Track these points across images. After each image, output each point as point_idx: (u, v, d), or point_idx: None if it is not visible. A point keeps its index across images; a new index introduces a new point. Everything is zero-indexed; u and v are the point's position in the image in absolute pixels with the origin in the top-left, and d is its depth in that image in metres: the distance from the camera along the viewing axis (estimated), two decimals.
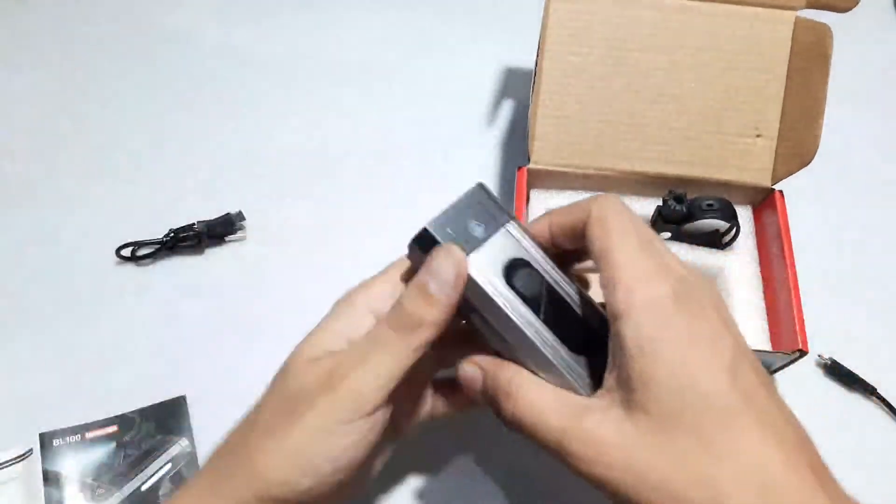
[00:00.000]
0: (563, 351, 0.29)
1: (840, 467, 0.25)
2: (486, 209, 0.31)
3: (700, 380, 0.24)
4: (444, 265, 0.28)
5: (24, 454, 0.42)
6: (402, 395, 0.31)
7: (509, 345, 0.30)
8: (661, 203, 0.45)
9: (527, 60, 0.53)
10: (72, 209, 0.52)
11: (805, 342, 0.40)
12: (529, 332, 0.29)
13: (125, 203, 0.53)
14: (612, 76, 0.46)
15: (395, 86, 0.60)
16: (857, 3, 0.43)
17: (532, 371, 0.29)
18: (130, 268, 0.50)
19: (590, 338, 0.29)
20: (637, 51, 0.46)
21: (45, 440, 0.42)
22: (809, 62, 0.45)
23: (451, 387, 0.34)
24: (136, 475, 0.41)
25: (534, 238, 0.31)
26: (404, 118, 0.58)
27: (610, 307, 0.26)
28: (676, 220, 0.45)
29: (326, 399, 0.27)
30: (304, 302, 0.47)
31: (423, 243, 0.29)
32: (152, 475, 0.41)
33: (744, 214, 0.48)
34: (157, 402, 0.44)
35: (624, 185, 0.47)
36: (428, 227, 0.29)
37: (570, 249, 0.31)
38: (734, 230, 0.45)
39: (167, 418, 0.43)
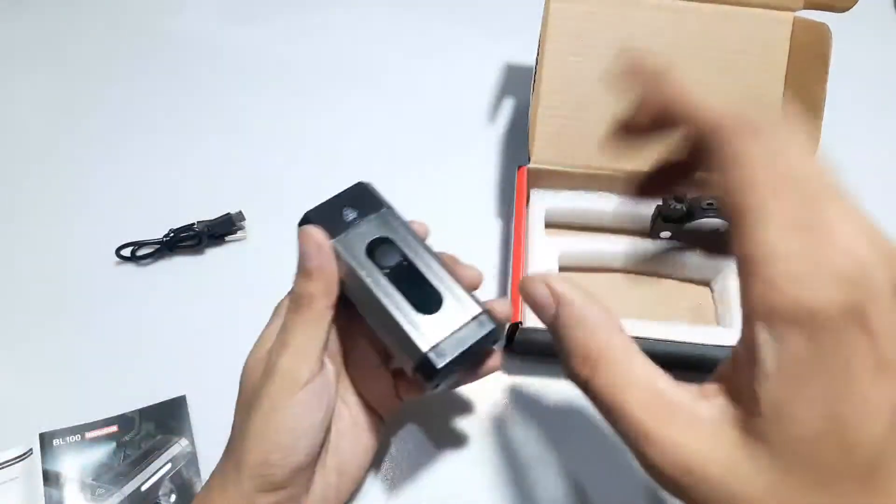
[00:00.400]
0: (409, 309, 0.33)
1: None
2: (364, 200, 0.36)
3: (858, 428, 0.18)
4: (306, 243, 0.34)
5: (23, 454, 0.42)
6: (376, 384, 0.38)
7: (371, 312, 0.34)
8: (661, 202, 0.45)
9: (527, 60, 0.53)
10: (72, 209, 0.52)
11: None
12: (380, 295, 0.33)
13: (125, 203, 0.53)
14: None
15: (396, 85, 0.60)
16: (856, 3, 0.44)
17: (388, 334, 0.34)
18: (130, 268, 0.50)
19: (437, 300, 0.33)
20: (637, 51, 0.46)
21: (45, 440, 0.41)
22: (808, 62, 0.45)
23: (405, 377, 0.38)
24: (136, 475, 0.41)
25: (405, 224, 0.35)
26: (405, 118, 0.58)
27: (745, 297, 0.20)
28: (677, 219, 0.45)
29: (267, 386, 0.32)
30: None
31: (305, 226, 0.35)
32: (152, 475, 0.41)
33: None
34: (157, 401, 0.44)
35: (625, 184, 0.47)
36: (307, 213, 0.36)
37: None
38: None
39: (167, 418, 0.43)
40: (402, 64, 0.61)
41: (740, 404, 0.20)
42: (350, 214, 0.35)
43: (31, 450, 0.41)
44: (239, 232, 0.51)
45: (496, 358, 0.36)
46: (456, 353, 0.32)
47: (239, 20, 0.63)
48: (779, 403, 0.19)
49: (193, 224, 0.49)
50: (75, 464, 0.41)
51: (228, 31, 0.63)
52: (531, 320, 0.42)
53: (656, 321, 0.42)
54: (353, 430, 0.38)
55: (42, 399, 0.44)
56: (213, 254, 0.50)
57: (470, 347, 0.32)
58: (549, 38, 0.46)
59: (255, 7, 0.64)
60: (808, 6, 0.45)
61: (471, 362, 0.35)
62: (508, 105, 0.59)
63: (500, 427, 0.44)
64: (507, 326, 0.42)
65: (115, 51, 0.61)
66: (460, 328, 0.33)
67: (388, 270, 0.34)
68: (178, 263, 0.50)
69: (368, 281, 0.33)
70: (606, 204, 0.48)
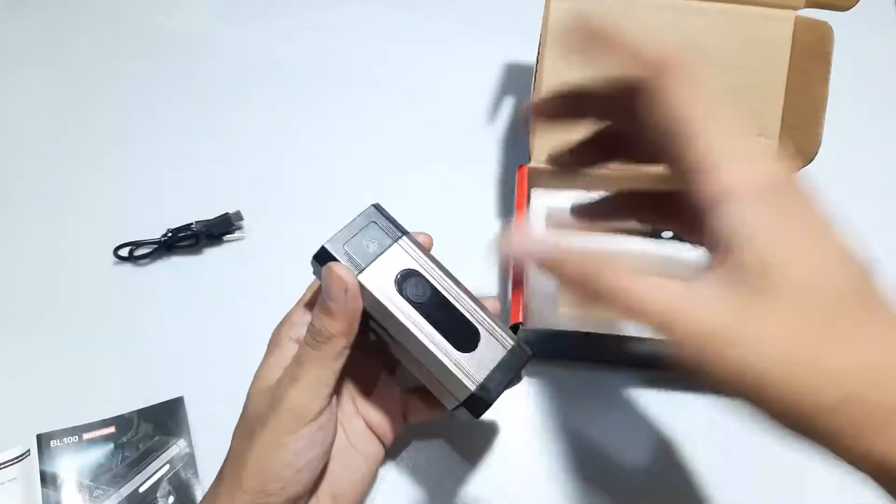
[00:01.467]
0: (450, 348, 0.33)
1: None
2: (380, 226, 0.35)
3: (836, 268, 0.23)
4: (332, 283, 0.32)
5: (21, 455, 0.41)
6: (379, 406, 0.38)
7: (403, 347, 0.34)
8: None
9: (527, 59, 0.53)
10: (69, 209, 0.52)
11: None
12: (419, 335, 0.33)
13: (123, 203, 0.52)
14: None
15: (395, 85, 0.59)
16: (858, 2, 0.43)
17: (425, 370, 0.34)
18: (128, 268, 0.49)
19: (474, 335, 0.34)
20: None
21: (43, 441, 0.41)
22: (810, 61, 0.45)
23: (420, 394, 0.38)
24: (134, 476, 0.41)
25: (424, 250, 0.35)
26: (405, 117, 0.57)
27: (702, 188, 0.23)
28: None
29: (272, 418, 0.32)
30: None
31: (322, 260, 0.34)
32: (150, 476, 0.41)
33: None
34: (154, 402, 0.43)
35: (626, 183, 0.47)
36: (325, 245, 0.34)
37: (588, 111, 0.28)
38: None
39: (165, 419, 0.43)
40: (401, 63, 0.60)
41: (738, 275, 0.23)
42: (370, 245, 0.34)
43: (28, 451, 0.41)
44: (237, 232, 0.50)
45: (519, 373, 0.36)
46: (501, 388, 0.34)
47: (238, 19, 0.63)
48: (769, 260, 0.22)
49: (191, 224, 0.49)
50: (73, 465, 0.41)
51: (228, 30, 0.62)
52: (531, 321, 0.42)
53: None
54: (352, 457, 0.37)
55: (39, 400, 0.44)
56: (212, 254, 0.50)
57: (511, 379, 0.34)
58: (549, 37, 0.46)
59: (255, 6, 0.64)
60: (809, 5, 0.45)
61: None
62: (509, 104, 0.59)
63: (499, 427, 0.43)
64: (508, 327, 0.42)
65: (112, 50, 0.61)
66: (500, 362, 0.34)
67: (418, 305, 0.33)
68: (176, 263, 0.50)
69: (403, 319, 0.33)
70: None
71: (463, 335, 0.34)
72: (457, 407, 0.34)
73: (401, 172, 0.54)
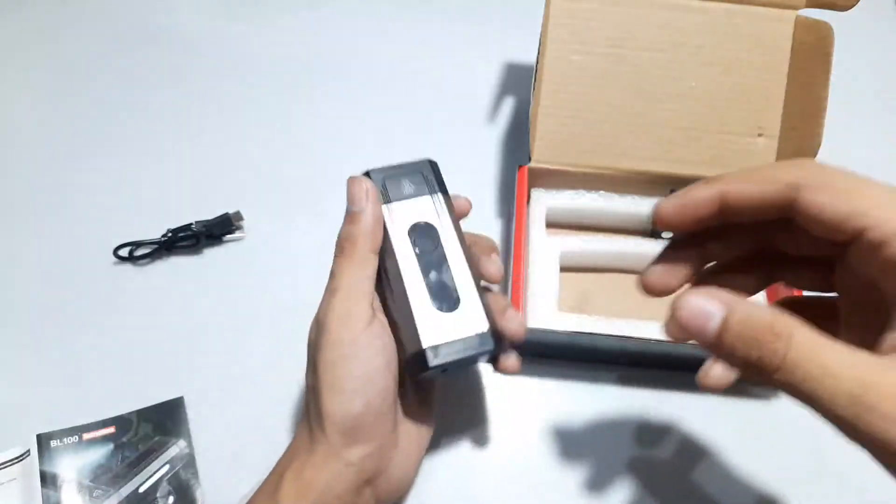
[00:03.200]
0: (427, 303, 0.33)
1: None
2: (426, 178, 0.36)
3: None
4: (354, 188, 0.34)
5: (21, 455, 0.41)
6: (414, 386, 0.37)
7: (390, 281, 0.34)
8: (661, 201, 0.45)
9: (527, 58, 0.53)
10: (68, 209, 0.52)
11: None
12: (405, 279, 0.34)
13: (122, 203, 0.52)
14: (613, 75, 0.46)
15: (396, 84, 0.59)
16: (857, 1, 0.43)
17: (393, 309, 0.34)
18: (128, 268, 0.49)
19: (454, 301, 0.34)
20: (638, 49, 0.46)
21: (43, 441, 0.41)
22: (811, 61, 0.45)
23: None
24: (134, 476, 0.41)
25: (454, 215, 0.36)
26: (405, 117, 0.57)
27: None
28: None
29: (325, 336, 0.32)
30: (302, 302, 0.47)
31: None
32: (150, 476, 0.41)
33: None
34: (154, 403, 0.43)
35: (626, 184, 0.47)
36: (369, 171, 0.36)
37: (740, 222, 0.27)
38: None
39: (165, 419, 0.43)
40: (401, 62, 0.60)
41: None
42: (408, 187, 0.36)
43: (28, 451, 0.41)
44: (237, 231, 0.50)
45: (514, 362, 0.36)
46: (448, 360, 0.33)
47: (237, 18, 0.63)
48: None
49: (191, 224, 0.49)
50: (73, 465, 0.41)
51: (228, 30, 0.62)
52: (532, 321, 0.42)
53: (656, 322, 0.41)
54: (411, 393, 0.37)
55: (39, 400, 0.44)
56: (211, 254, 0.50)
57: (464, 358, 0.33)
58: (549, 37, 0.46)
59: (255, 5, 0.64)
60: (810, 5, 0.45)
61: (464, 369, 0.36)
62: (509, 104, 0.59)
63: (498, 427, 0.43)
64: None
65: (112, 50, 0.61)
66: (464, 338, 0.33)
67: (420, 255, 0.34)
68: (176, 264, 0.50)
69: (399, 259, 0.34)
70: (607, 204, 0.48)
71: (445, 296, 0.34)
72: (407, 361, 0.34)
73: None
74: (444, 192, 0.36)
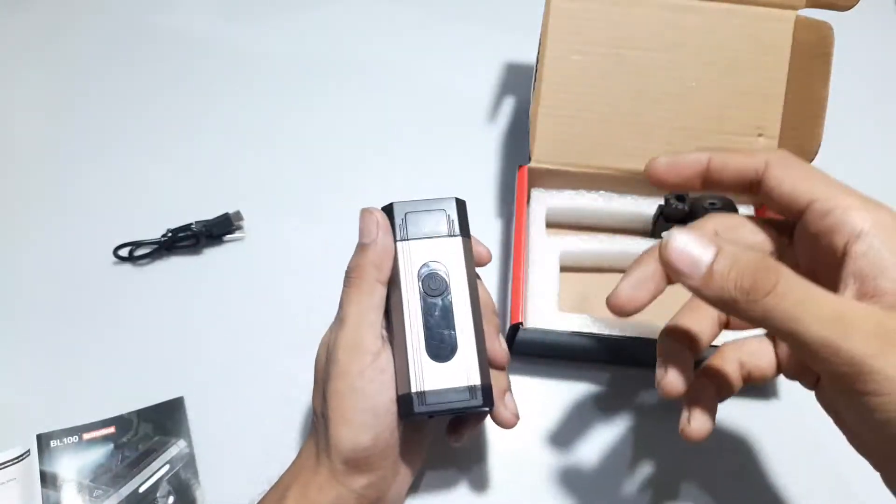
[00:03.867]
0: (422, 348, 0.33)
1: None
2: (449, 217, 0.35)
3: None
4: (366, 220, 0.34)
5: (21, 455, 0.41)
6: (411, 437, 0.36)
7: (393, 318, 0.34)
8: (662, 202, 0.45)
9: (526, 58, 0.53)
10: (69, 209, 0.52)
11: None
12: (406, 320, 0.34)
13: (122, 203, 0.52)
14: (613, 75, 0.46)
15: (395, 85, 0.59)
16: (857, 2, 0.43)
17: (393, 344, 0.34)
18: (128, 268, 0.49)
19: (451, 351, 0.33)
20: (638, 50, 0.46)
21: (43, 441, 0.41)
22: (811, 61, 0.45)
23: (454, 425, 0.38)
24: (134, 476, 0.41)
25: (471, 261, 0.35)
26: (404, 117, 0.57)
27: (841, 229, 0.27)
28: (679, 218, 0.45)
29: (334, 367, 0.33)
30: (302, 302, 0.48)
31: (384, 212, 0.35)
32: (150, 476, 0.41)
33: (746, 213, 0.47)
34: (154, 403, 0.43)
35: (626, 184, 0.47)
36: (394, 203, 0.35)
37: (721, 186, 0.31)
38: None
39: (165, 419, 0.43)
40: (400, 62, 0.60)
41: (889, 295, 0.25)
42: (428, 225, 0.35)
43: (28, 451, 0.41)
44: (237, 231, 0.50)
45: (510, 417, 0.36)
46: (434, 409, 0.33)
47: (237, 18, 0.63)
48: None
49: (191, 224, 0.49)
50: (73, 465, 0.41)
51: (228, 30, 0.62)
52: (531, 321, 0.42)
53: (656, 321, 0.41)
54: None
55: (39, 400, 0.44)
56: (211, 254, 0.50)
57: (451, 410, 0.33)
58: (550, 36, 0.46)
59: (255, 4, 0.64)
60: (810, 5, 0.45)
61: (455, 419, 0.37)
62: (508, 104, 0.59)
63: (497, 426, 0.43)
64: (508, 328, 0.41)
65: (112, 50, 0.61)
66: (454, 387, 0.33)
67: (426, 297, 0.34)
68: (176, 264, 0.50)
69: (405, 298, 0.34)
70: (607, 203, 0.48)
71: (442, 344, 0.34)
72: (397, 399, 0.34)
73: (400, 172, 0.54)
74: (466, 234, 0.36)
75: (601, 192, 0.48)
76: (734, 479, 0.42)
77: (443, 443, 0.43)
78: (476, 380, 0.34)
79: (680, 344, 0.32)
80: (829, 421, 0.29)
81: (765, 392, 0.44)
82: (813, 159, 0.44)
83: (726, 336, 0.34)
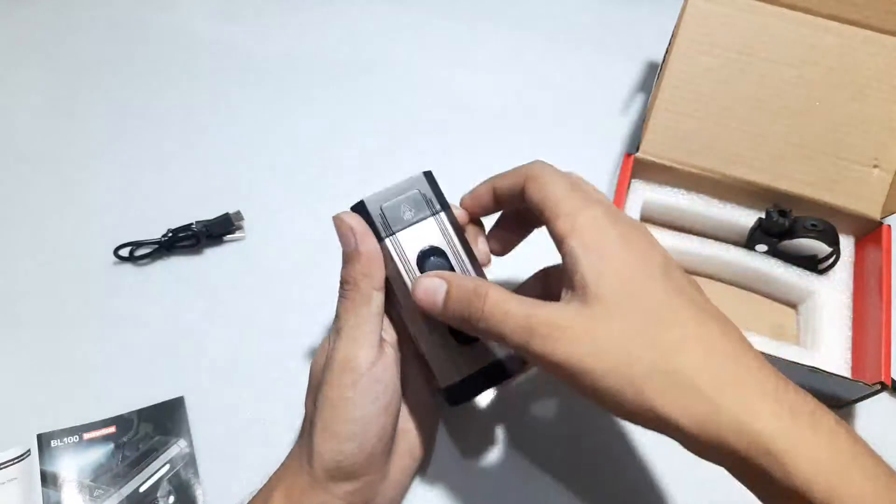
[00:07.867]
0: (448, 335, 0.34)
1: None
2: (425, 196, 0.34)
3: (641, 273, 0.29)
4: (339, 228, 0.34)
5: (21, 455, 0.41)
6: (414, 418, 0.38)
7: (408, 316, 0.34)
8: (763, 214, 0.45)
9: (529, 58, 0.52)
10: (69, 209, 0.52)
11: (888, 375, 0.38)
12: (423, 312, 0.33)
13: (123, 203, 0.52)
14: (737, 81, 0.46)
15: (396, 85, 0.59)
16: None
17: (418, 343, 0.35)
18: (128, 268, 0.49)
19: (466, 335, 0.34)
20: (768, 60, 0.46)
21: (43, 441, 0.41)
22: None
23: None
24: (135, 476, 0.41)
25: (460, 230, 0.35)
26: (405, 117, 0.57)
27: (556, 235, 0.31)
28: (777, 233, 0.44)
29: (329, 376, 0.33)
30: (303, 302, 0.48)
31: (358, 212, 0.34)
32: (150, 476, 0.41)
33: (846, 243, 0.46)
34: (155, 402, 0.43)
35: (730, 190, 0.47)
36: (364, 199, 0.34)
37: (514, 209, 0.37)
38: (834, 256, 0.44)
39: (165, 419, 0.43)
40: (402, 62, 0.61)
41: (579, 287, 0.29)
42: (408, 212, 0.34)
43: (28, 451, 0.41)
44: (237, 231, 0.50)
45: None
46: (480, 390, 0.35)
47: (238, 17, 0.63)
48: (593, 271, 0.29)
49: (191, 224, 0.49)
50: (73, 465, 0.41)
51: (228, 29, 0.62)
52: None
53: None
54: (418, 409, 0.38)
55: (40, 400, 0.44)
56: (212, 254, 0.50)
57: (493, 383, 0.35)
58: (681, 34, 0.46)
59: (255, 4, 0.64)
60: None
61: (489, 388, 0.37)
62: (509, 103, 0.59)
63: (497, 426, 0.43)
64: None
65: (112, 50, 0.61)
66: (488, 365, 0.34)
67: None
68: (177, 264, 0.50)
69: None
70: (705, 207, 0.47)
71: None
72: (440, 390, 0.35)
73: (401, 172, 0.54)
74: (446, 207, 0.35)
75: (702, 194, 0.48)
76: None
77: (446, 444, 0.43)
78: (500, 353, 0.35)
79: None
80: (889, 446, 0.29)
81: None
82: None
83: None
